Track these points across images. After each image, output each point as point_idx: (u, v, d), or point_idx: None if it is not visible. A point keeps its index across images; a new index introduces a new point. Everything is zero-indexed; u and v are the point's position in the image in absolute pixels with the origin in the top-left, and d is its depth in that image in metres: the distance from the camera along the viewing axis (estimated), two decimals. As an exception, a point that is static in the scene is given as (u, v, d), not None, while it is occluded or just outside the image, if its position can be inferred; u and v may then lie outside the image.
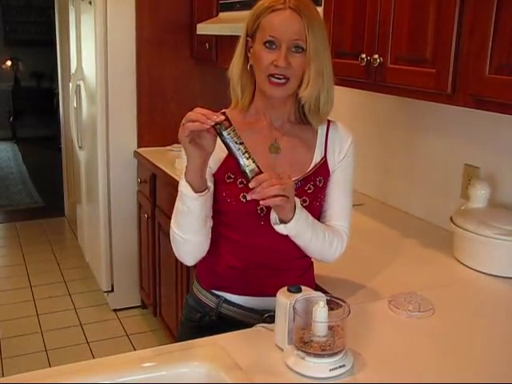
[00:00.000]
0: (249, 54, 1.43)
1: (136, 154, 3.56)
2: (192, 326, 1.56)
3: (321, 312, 1.19)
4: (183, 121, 1.25)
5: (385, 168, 2.58)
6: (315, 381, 1.19)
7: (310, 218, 1.39)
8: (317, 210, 1.49)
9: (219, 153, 1.37)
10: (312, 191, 1.46)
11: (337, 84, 2.26)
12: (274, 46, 1.36)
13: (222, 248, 1.51)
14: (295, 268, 1.53)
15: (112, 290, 3.76)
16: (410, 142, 2.42)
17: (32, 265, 4.47)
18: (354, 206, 2.44)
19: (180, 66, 3.61)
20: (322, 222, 1.50)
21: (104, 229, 3.66)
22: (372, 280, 1.71)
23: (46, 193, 6.32)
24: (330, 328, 1.21)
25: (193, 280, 1.63)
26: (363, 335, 1.36)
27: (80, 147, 4.09)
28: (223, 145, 1.24)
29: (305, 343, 1.21)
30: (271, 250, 1.48)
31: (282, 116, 1.48)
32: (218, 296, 1.53)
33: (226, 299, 1.52)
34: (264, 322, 1.43)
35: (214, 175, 1.44)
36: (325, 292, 1.46)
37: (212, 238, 1.50)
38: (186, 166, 1.32)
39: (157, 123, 3.57)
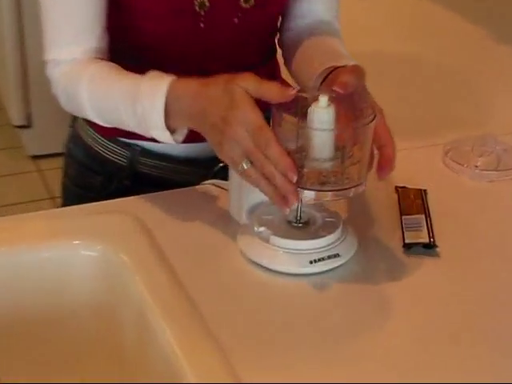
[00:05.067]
0: None
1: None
2: (89, 196, 1.08)
3: (323, 114, 0.73)
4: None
5: None
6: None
7: None
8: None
9: None
10: None
11: None
12: None
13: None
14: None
15: (28, 126, 3.03)
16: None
17: None
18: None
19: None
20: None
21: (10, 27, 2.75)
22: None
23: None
24: (339, 148, 0.75)
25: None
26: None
27: None
28: None
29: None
30: (217, 59, 1.04)
31: None
32: (129, 145, 1.07)
33: (144, 149, 1.05)
34: (215, 177, 0.98)
35: None
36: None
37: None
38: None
39: None
